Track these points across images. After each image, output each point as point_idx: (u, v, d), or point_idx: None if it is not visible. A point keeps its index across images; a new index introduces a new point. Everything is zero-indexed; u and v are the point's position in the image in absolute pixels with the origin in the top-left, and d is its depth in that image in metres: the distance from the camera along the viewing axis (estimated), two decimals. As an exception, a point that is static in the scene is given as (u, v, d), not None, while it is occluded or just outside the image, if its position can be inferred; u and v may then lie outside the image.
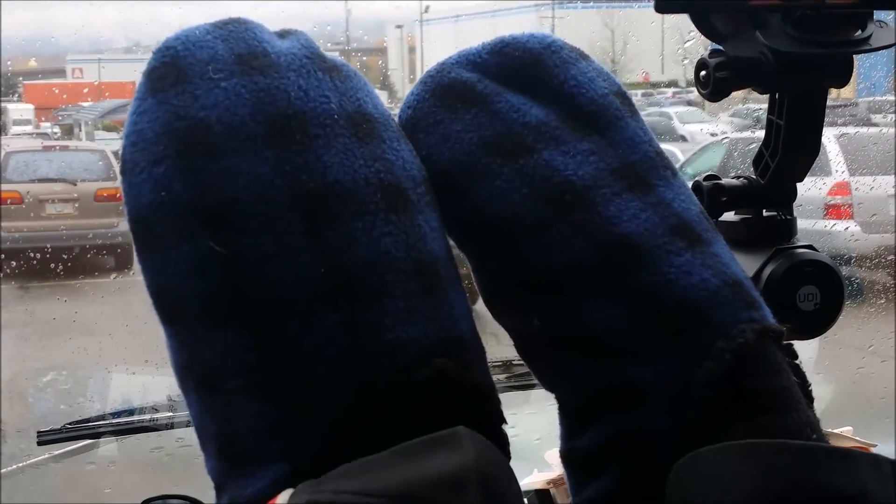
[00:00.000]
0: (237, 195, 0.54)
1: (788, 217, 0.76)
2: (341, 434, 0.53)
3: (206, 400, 0.56)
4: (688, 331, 0.59)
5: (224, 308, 0.54)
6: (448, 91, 0.65)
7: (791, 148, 0.72)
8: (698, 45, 0.73)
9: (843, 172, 5.01)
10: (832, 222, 5.04)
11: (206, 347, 0.55)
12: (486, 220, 0.63)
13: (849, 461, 0.52)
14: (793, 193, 0.76)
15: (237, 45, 0.57)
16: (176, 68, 0.56)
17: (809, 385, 0.63)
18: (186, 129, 0.54)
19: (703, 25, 0.71)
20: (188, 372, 0.57)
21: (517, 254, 0.62)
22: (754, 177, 0.76)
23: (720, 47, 0.71)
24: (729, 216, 0.77)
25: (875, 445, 0.83)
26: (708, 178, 0.76)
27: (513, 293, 0.64)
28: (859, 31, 0.67)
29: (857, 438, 0.85)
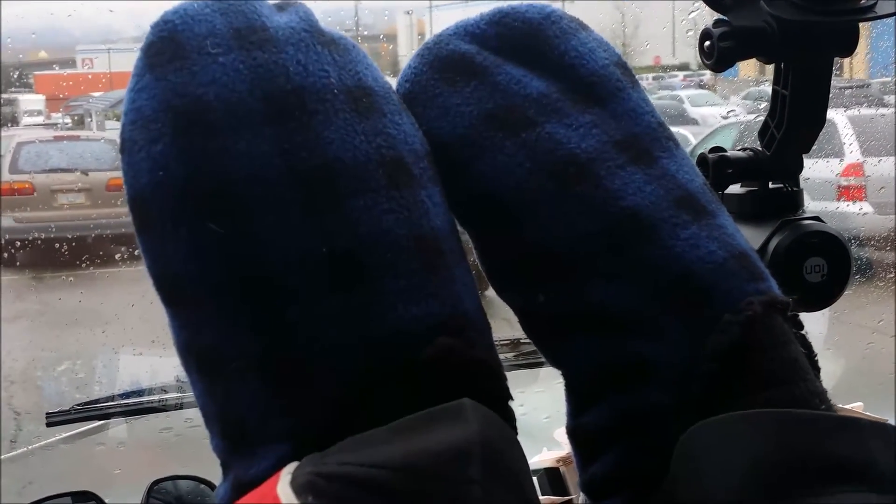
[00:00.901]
0: (235, 174, 0.53)
1: (795, 189, 0.76)
2: (345, 413, 0.52)
3: (207, 380, 0.56)
4: (694, 304, 0.59)
5: (222, 289, 0.54)
6: (446, 63, 0.64)
7: (797, 119, 0.72)
8: (704, 17, 0.72)
9: (855, 153, 4.99)
10: (845, 203, 5.02)
11: (207, 328, 0.55)
12: (487, 195, 0.62)
13: (856, 429, 0.52)
14: (799, 165, 0.75)
15: (235, 19, 0.57)
16: (173, 43, 0.56)
17: (816, 356, 0.63)
18: (184, 107, 0.54)
19: (708, -5, 0.70)
20: (189, 352, 0.57)
21: (520, 229, 0.62)
22: (760, 149, 0.76)
23: (725, 17, 0.70)
24: (735, 189, 0.77)
25: (886, 421, 0.82)
26: (713, 150, 0.76)
27: (516, 270, 0.64)
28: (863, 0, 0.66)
29: (867, 414, 0.85)
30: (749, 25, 0.68)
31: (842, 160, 5.06)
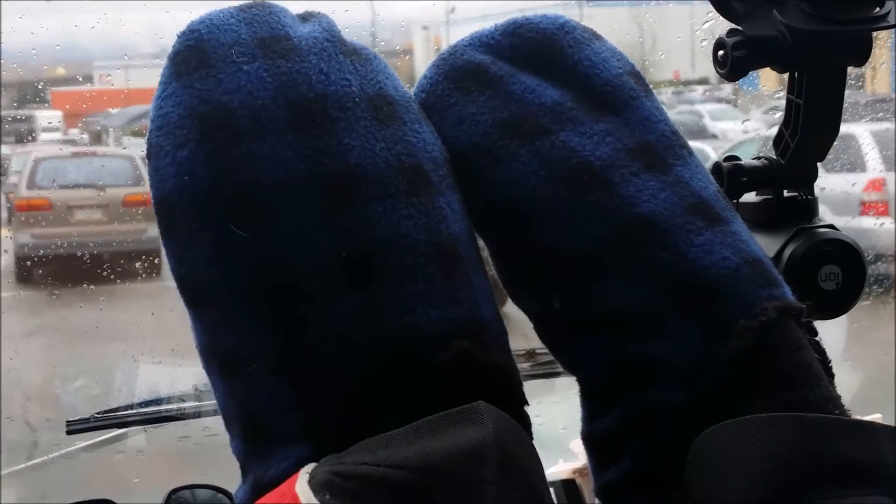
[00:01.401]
0: (258, 179, 0.55)
1: (809, 197, 0.76)
2: (363, 415, 0.53)
3: (229, 381, 0.57)
4: (708, 309, 0.59)
5: (245, 291, 0.55)
6: (461, 73, 0.65)
7: (811, 127, 0.72)
8: (718, 27, 0.73)
9: (879, 168, 4.97)
10: (868, 219, 5.00)
11: (229, 330, 0.56)
12: (503, 202, 0.63)
13: (869, 433, 0.52)
14: (813, 173, 0.76)
15: (260, 29, 0.58)
16: (200, 52, 0.57)
17: (830, 362, 0.63)
18: (209, 113, 0.55)
19: (722, 5, 0.71)
20: (212, 354, 0.58)
21: (535, 236, 0.62)
22: (775, 157, 0.76)
23: (738, 27, 0.71)
24: (750, 197, 0.77)
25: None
26: (728, 158, 0.76)
27: (531, 276, 0.64)
28: (877, 9, 0.67)
29: (886, 425, 0.85)
30: (762, 35, 0.69)
31: (863, 176, 5.04)
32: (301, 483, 0.48)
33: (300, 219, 0.55)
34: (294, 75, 0.56)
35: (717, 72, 0.70)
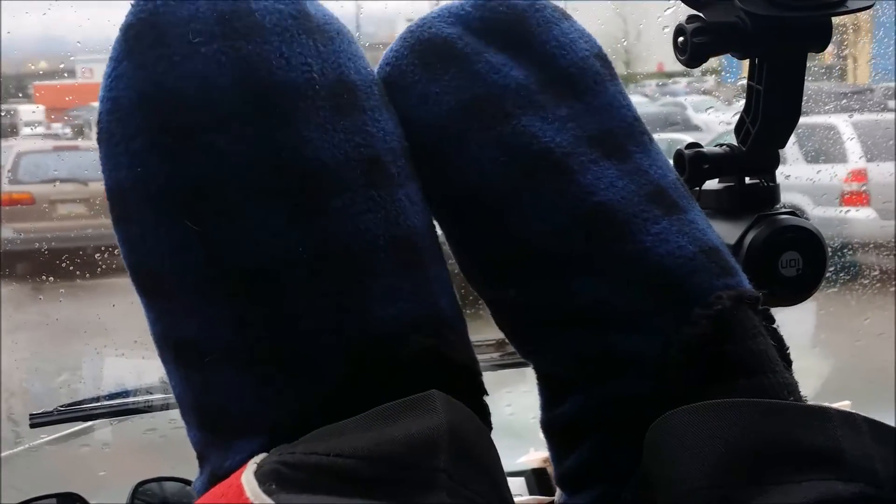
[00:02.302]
0: (214, 173, 0.53)
1: (771, 184, 0.76)
2: (322, 409, 0.53)
3: (184, 370, 0.57)
4: (665, 298, 0.59)
5: (203, 285, 0.54)
6: (427, 48, 0.64)
7: (771, 114, 0.72)
8: (679, 14, 0.72)
9: (859, 159, 4.98)
10: (849, 209, 5.00)
11: (185, 320, 0.56)
12: (461, 187, 0.63)
13: (824, 418, 0.52)
14: (775, 160, 0.76)
15: (221, 1, 0.55)
16: (154, 27, 0.54)
17: (787, 349, 0.63)
18: (163, 103, 0.53)
19: (683, -9, 0.71)
20: (166, 342, 0.57)
21: (493, 222, 0.62)
22: (736, 144, 0.76)
23: (699, 13, 0.70)
24: (712, 184, 0.77)
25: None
26: (690, 146, 0.76)
27: (487, 261, 0.64)
28: (836, -6, 0.67)
29: (841, 410, 0.85)
30: (722, 21, 0.69)
31: (843, 167, 5.04)
32: (247, 473, 0.47)
33: (258, 214, 0.54)
34: (254, 59, 0.54)
35: (678, 58, 0.70)
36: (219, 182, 0.54)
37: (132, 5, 0.56)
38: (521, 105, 0.62)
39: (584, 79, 0.64)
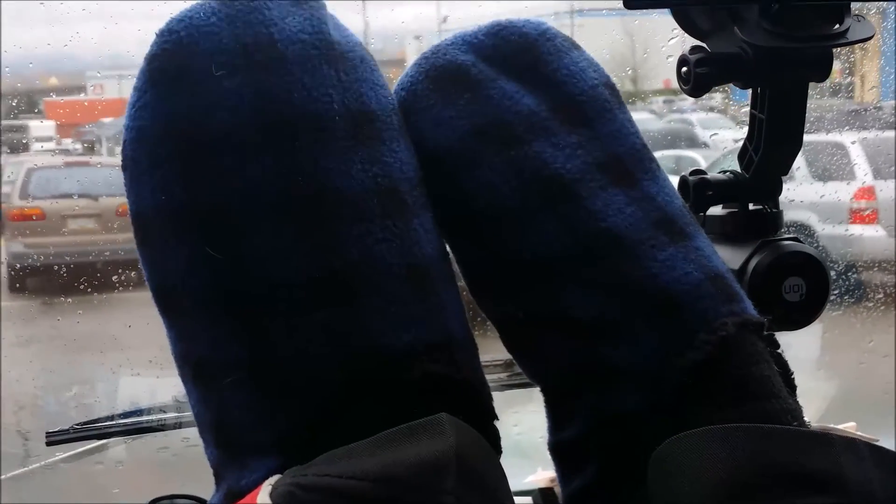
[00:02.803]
0: (231, 199, 0.55)
1: (774, 210, 0.77)
2: (332, 430, 0.54)
3: (202, 390, 0.58)
4: (670, 323, 0.60)
5: (217, 305, 0.56)
6: (442, 73, 0.66)
7: (773, 142, 0.73)
8: (683, 43, 0.74)
9: (867, 176, 4.96)
10: (857, 227, 4.99)
11: (202, 340, 0.57)
12: (472, 209, 0.64)
13: (827, 444, 0.53)
14: (777, 187, 0.77)
15: (244, 31, 0.56)
16: (178, 60, 0.56)
17: (792, 374, 0.64)
18: (187, 132, 0.55)
19: (685, 22, 0.72)
20: (186, 362, 0.59)
21: (502, 244, 0.64)
22: (740, 171, 0.77)
23: (702, 44, 0.72)
24: (716, 210, 0.78)
25: (878, 440, 0.83)
26: (694, 172, 0.77)
27: (496, 282, 0.65)
28: (837, 26, 0.68)
29: (860, 434, 0.86)
30: (725, 52, 0.70)
31: (853, 183, 5.03)
32: (263, 495, 0.48)
33: (273, 239, 0.55)
34: (275, 91, 0.56)
35: (681, 88, 0.72)
36: (236, 207, 0.55)
37: (157, 35, 0.58)
38: (532, 131, 0.64)
39: (593, 107, 0.66)
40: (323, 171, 0.56)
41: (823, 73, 0.70)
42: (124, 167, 0.58)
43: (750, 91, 0.74)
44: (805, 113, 0.72)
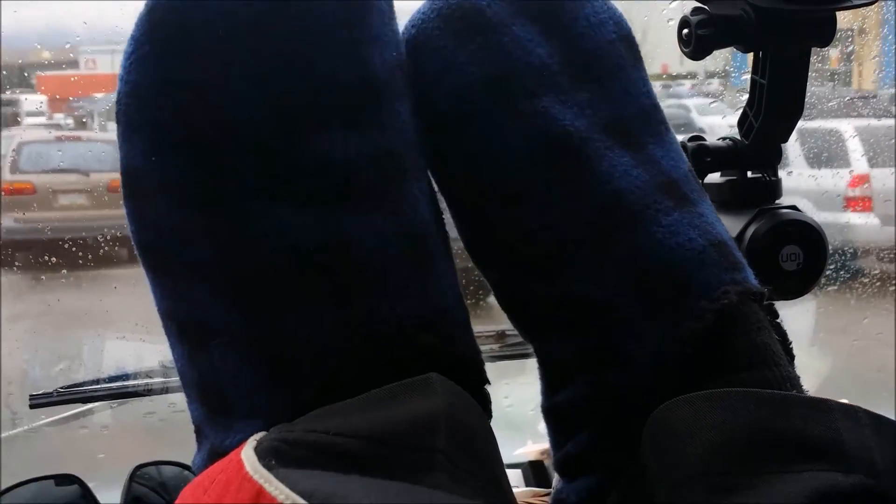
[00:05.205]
0: (229, 168, 0.54)
1: (773, 178, 0.76)
2: (324, 398, 0.53)
3: (189, 348, 0.57)
4: (672, 290, 0.60)
5: (210, 273, 0.55)
6: (455, 12, 0.63)
7: (774, 108, 0.72)
8: (684, 8, 0.73)
9: (862, 164, 4.97)
10: (851, 214, 5.00)
11: (193, 301, 0.56)
12: (476, 164, 0.63)
13: (825, 410, 0.52)
14: (777, 154, 0.76)
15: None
16: (179, 15, 0.54)
17: (790, 343, 0.63)
18: (185, 95, 0.54)
19: (688, -16, 0.71)
20: (172, 319, 0.58)
21: (505, 202, 0.62)
22: (739, 138, 0.76)
23: (703, 6, 0.71)
24: (714, 177, 0.77)
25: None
26: (693, 138, 0.76)
27: (496, 243, 0.64)
28: (841, -11, 0.67)
29: (841, 403, 0.85)
30: (727, 14, 0.69)
31: (850, 171, 5.04)
32: (247, 449, 0.48)
33: (270, 209, 0.54)
34: (276, 62, 0.54)
35: (682, 50, 0.71)
36: (233, 177, 0.54)
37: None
38: (542, 84, 0.62)
39: (607, 63, 0.64)
40: (320, 140, 0.55)
41: (826, 37, 0.70)
42: (117, 120, 0.56)
43: (750, 58, 0.73)
44: (807, 78, 0.72)
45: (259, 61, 0.54)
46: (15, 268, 4.36)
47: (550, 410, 0.66)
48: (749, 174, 0.76)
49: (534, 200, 0.61)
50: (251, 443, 0.48)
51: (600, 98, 0.63)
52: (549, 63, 0.63)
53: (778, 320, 0.63)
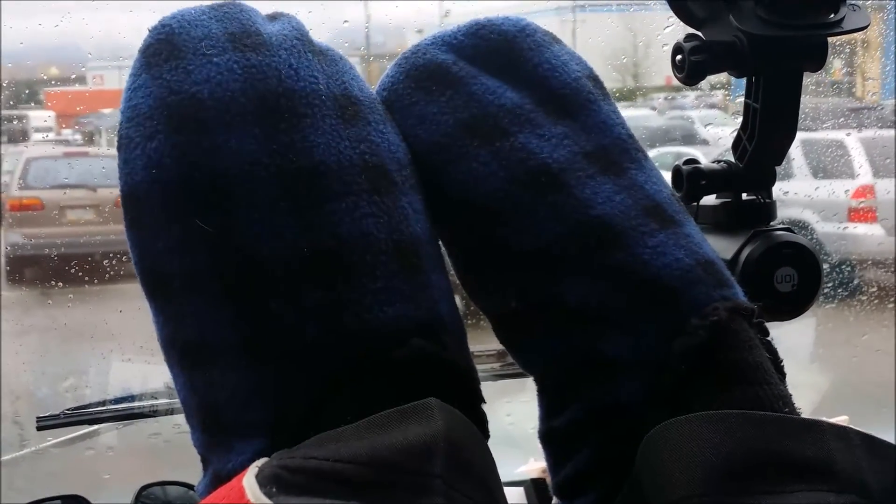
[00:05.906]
0: (225, 172, 0.56)
1: (767, 200, 0.77)
2: (320, 409, 0.54)
3: (189, 372, 0.58)
4: (662, 308, 0.60)
5: (208, 283, 0.56)
6: (423, 72, 0.66)
7: (767, 131, 0.73)
8: (678, 32, 0.74)
9: (867, 175, 4.96)
10: (856, 225, 4.99)
11: (191, 320, 0.57)
12: (461, 201, 0.64)
13: (817, 431, 0.53)
14: (771, 177, 0.77)
15: (230, 25, 0.59)
16: (170, 44, 0.58)
17: (781, 361, 0.64)
18: (179, 104, 0.56)
19: (681, 10, 0.72)
20: (172, 346, 0.59)
21: (492, 235, 0.63)
22: (733, 161, 0.77)
23: (697, 32, 0.72)
24: (710, 200, 0.78)
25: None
26: (687, 162, 0.77)
27: (489, 274, 0.65)
28: (832, 14, 0.68)
29: (833, 423, 0.86)
30: (719, 40, 0.70)
31: (851, 182, 5.03)
32: (249, 476, 0.48)
33: (265, 213, 0.56)
34: (263, 68, 0.57)
35: (676, 76, 0.72)
36: (228, 180, 0.55)
37: (150, 29, 0.60)
38: (517, 123, 0.64)
39: (577, 98, 0.66)
40: (312, 146, 0.57)
41: (818, 62, 0.70)
42: (119, 147, 0.58)
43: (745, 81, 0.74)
44: (799, 102, 0.72)
45: (246, 68, 0.57)
46: (23, 283, 4.37)
47: (548, 434, 0.66)
48: (744, 196, 0.77)
49: (516, 228, 0.63)
50: (253, 470, 0.49)
51: (577, 130, 0.65)
52: (521, 104, 0.65)
53: (768, 338, 0.64)
